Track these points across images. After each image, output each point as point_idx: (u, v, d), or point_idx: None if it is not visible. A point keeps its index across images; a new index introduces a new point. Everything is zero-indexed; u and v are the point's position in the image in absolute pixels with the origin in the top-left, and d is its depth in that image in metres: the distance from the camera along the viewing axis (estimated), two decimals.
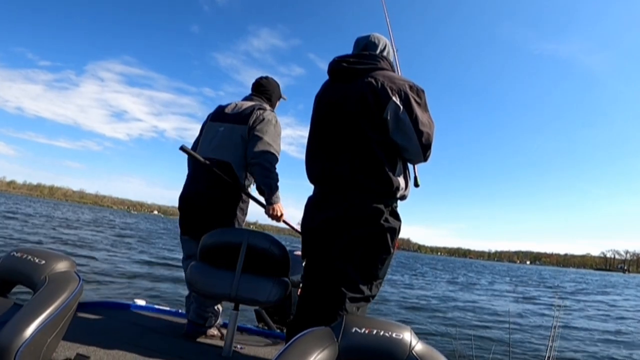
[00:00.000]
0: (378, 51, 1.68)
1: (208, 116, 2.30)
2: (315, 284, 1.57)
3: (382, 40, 1.72)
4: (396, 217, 1.54)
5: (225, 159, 2.08)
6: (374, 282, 1.51)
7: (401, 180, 1.54)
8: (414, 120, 1.48)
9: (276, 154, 2.09)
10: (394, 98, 1.47)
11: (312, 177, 1.67)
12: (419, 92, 1.53)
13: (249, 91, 2.38)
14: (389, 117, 1.48)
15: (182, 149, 2.06)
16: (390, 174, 1.49)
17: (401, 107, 1.47)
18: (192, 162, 2.20)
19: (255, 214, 2.56)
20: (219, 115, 2.22)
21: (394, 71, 1.66)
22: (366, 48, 1.69)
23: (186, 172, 2.25)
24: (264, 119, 2.10)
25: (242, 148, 2.10)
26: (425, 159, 1.59)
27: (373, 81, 1.50)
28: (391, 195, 1.52)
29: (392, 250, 1.51)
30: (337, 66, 1.63)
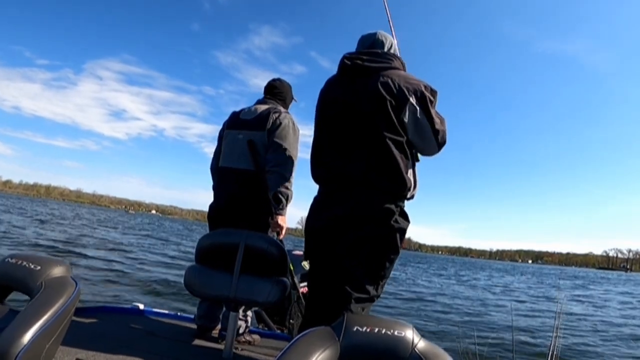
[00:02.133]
0: (385, 49, 1.66)
1: (224, 124, 2.30)
2: (320, 283, 1.56)
3: (389, 38, 1.71)
4: (405, 217, 1.54)
5: (250, 167, 2.08)
6: (380, 282, 1.51)
7: (412, 179, 1.54)
8: (431, 121, 1.50)
9: (294, 159, 2.09)
10: (411, 99, 1.48)
11: (317, 176, 1.65)
12: (432, 93, 1.53)
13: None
14: (407, 119, 1.49)
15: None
16: (404, 173, 1.49)
17: (418, 108, 1.48)
18: (218, 170, 2.21)
19: None
20: (235, 122, 2.21)
21: (405, 70, 1.64)
22: (373, 46, 1.66)
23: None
24: (280, 123, 2.08)
25: (263, 154, 2.08)
26: (439, 151, 1.61)
27: (390, 81, 1.49)
28: (402, 195, 1.52)
29: (400, 250, 1.51)
30: (350, 63, 1.60)
